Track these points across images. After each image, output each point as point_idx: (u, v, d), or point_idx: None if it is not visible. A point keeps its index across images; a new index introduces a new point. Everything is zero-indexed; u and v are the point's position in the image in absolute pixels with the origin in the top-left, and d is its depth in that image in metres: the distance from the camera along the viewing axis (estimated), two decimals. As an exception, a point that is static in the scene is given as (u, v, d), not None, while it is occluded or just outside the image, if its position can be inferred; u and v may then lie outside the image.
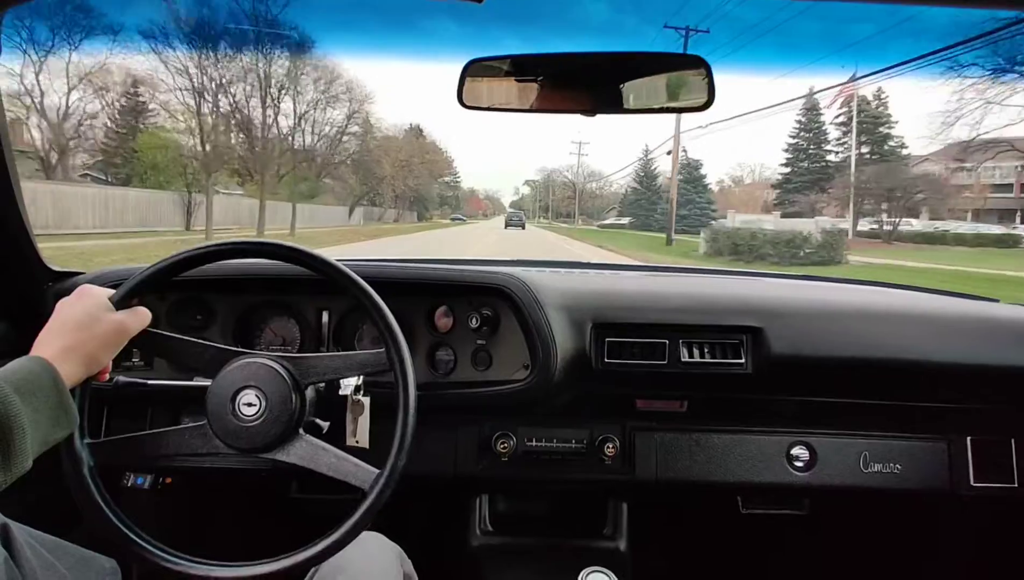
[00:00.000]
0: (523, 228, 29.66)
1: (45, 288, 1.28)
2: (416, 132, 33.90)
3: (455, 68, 1.02)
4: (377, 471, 0.89)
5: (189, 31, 15.50)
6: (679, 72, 0.99)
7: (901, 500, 1.42)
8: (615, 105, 0.99)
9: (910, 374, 1.27)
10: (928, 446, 1.34)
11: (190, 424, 0.95)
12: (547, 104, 1.00)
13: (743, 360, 1.24)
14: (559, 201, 56.84)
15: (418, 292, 1.26)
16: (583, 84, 1.00)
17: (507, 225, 30.37)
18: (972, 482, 1.32)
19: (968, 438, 1.33)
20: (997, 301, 1.49)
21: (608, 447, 1.31)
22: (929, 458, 1.34)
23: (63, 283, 1.28)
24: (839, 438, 1.34)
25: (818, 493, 1.40)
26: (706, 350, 1.24)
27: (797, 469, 1.33)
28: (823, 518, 1.53)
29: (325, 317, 1.29)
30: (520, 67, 1.01)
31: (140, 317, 0.90)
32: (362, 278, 0.96)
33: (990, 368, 1.26)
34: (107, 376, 0.90)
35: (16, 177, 1.14)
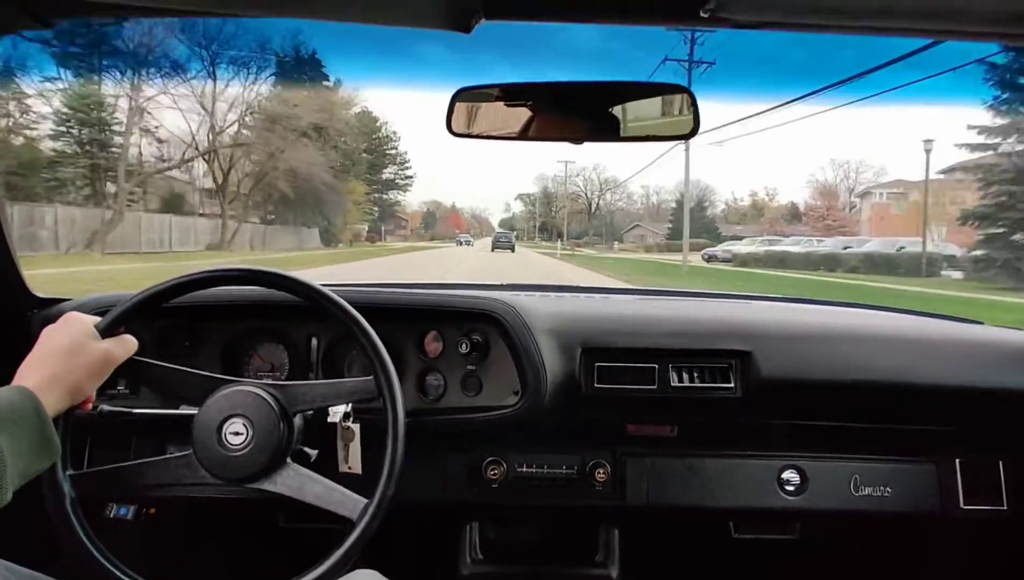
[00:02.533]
0: (512, 250, 27.35)
1: (30, 315, 1.26)
2: (365, 116, 27.92)
3: (443, 94, 1.03)
4: (366, 501, 0.88)
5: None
6: (665, 100, 1.01)
7: (892, 523, 1.42)
8: (603, 134, 1.01)
9: (898, 396, 1.28)
10: (917, 468, 1.34)
11: (176, 454, 0.93)
12: (535, 132, 1.02)
13: (732, 384, 1.25)
14: (565, 216, 46.12)
15: (407, 317, 1.26)
16: (571, 113, 1.02)
17: (494, 247, 27.80)
18: (962, 504, 1.33)
19: (957, 460, 1.34)
20: (981, 323, 1.51)
21: (599, 472, 1.30)
22: (919, 481, 1.34)
23: (48, 310, 1.27)
24: (829, 462, 1.34)
25: (809, 517, 1.40)
26: (696, 374, 1.25)
27: (788, 493, 1.33)
28: (815, 542, 1.52)
29: (314, 343, 1.29)
30: (508, 95, 1.02)
31: (126, 345, 0.89)
32: (350, 304, 0.95)
33: (976, 390, 1.28)
34: (91, 406, 0.88)
35: (2, 205, 1.13)
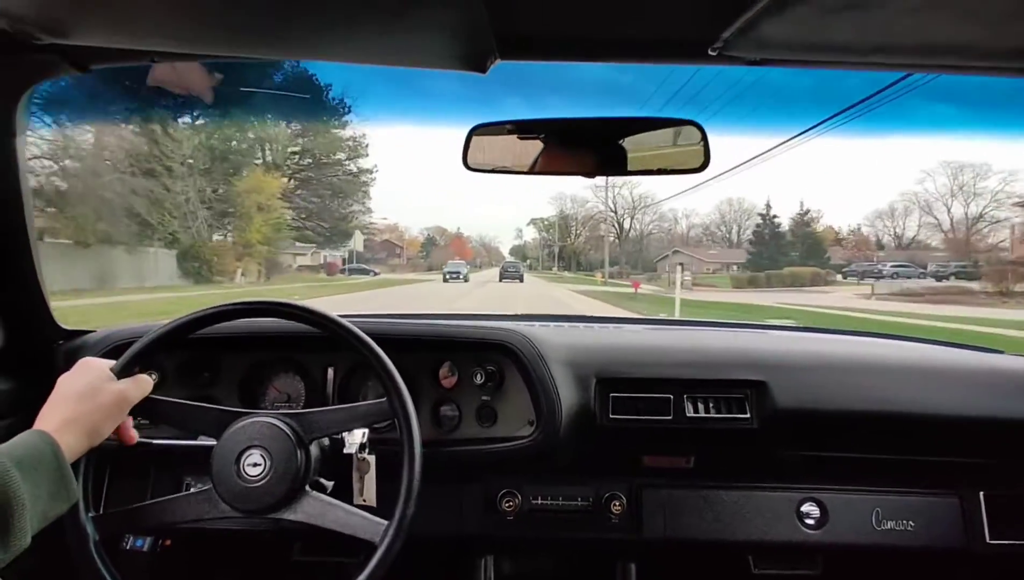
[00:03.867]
0: (521, 280, 25.28)
1: (56, 346, 1.29)
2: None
3: (457, 129, 1.06)
4: (386, 523, 0.88)
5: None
6: (675, 133, 1.03)
7: (916, 558, 1.38)
8: (615, 167, 1.03)
9: (917, 427, 1.26)
10: (941, 502, 1.32)
11: (195, 490, 0.94)
12: (548, 166, 1.04)
13: (748, 414, 1.24)
14: (583, 243, 39.97)
15: (422, 348, 1.27)
16: (584, 147, 1.04)
17: (502, 277, 26.22)
18: (987, 539, 1.29)
19: (981, 493, 1.31)
20: (1002, 352, 1.49)
21: (615, 505, 1.29)
22: (942, 514, 1.31)
23: (73, 342, 1.30)
24: (850, 494, 1.32)
25: (831, 552, 1.37)
26: (711, 405, 1.24)
27: (808, 526, 1.30)
28: (837, 578, 1.48)
29: (331, 373, 1.30)
30: (521, 131, 1.05)
31: (141, 386, 0.91)
32: (366, 334, 0.97)
33: (997, 421, 1.26)
34: (134, 440, 0.90)
35: (34, 236, 1.17)
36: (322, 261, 27.08)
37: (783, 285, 23.75)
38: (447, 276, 25.46)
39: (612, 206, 37.54)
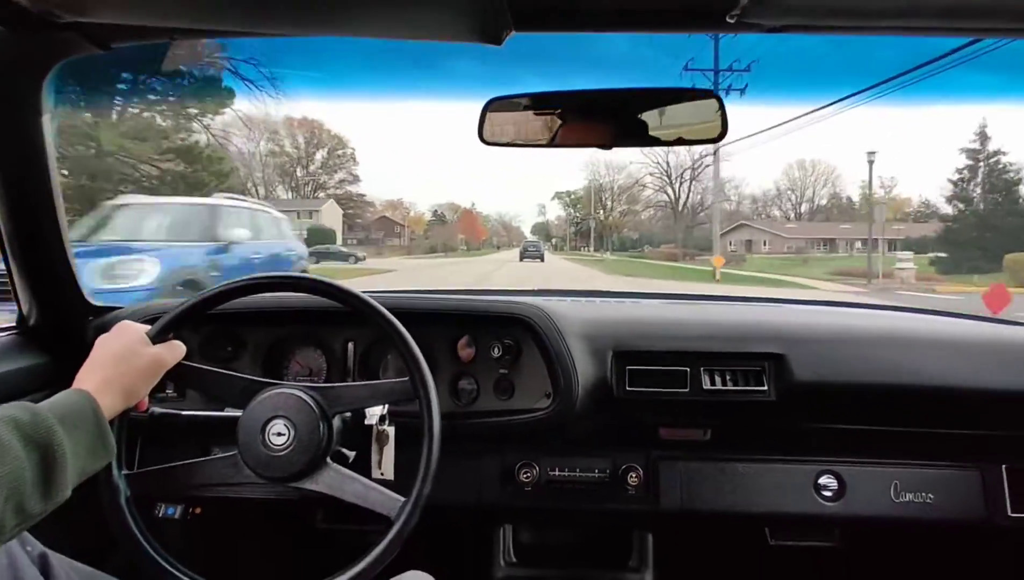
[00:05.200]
0: (542, 259, 24.52)
1: (86, 322, 1.33)
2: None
3: (475, 105, 1.06)
4: (403, 499, 0.90)
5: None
6: (692, 105, 1.02)
7: (935, 531, 1.38)
8: (631, 138, 1.03)
9: (936, 400, 1.25)
10: (961, 474, 1.31)
11: (222, 455, 0.97)
12: (564, 139, 1.04)
13: (766, 387, 1.24)
14: (620, 217, 31.59)
15: (441, 322, 1.29)
16: (600, 119, 1.04)
17: (522, 257, 24.76)
18: (1009, 512, 1.29)
19: (1003, 466, 1.30)
20: (1023, 325, 1.46)
21: (631, 476, 1.31)
22: (963, 487, 1.30)
23: (103, 318, 1.34)
24: (868, 467, 1.31)
25: (849, 524, 1.37)
26: (728, 378, 1.24)
27: (826, 499, 1.31)
28: (855, 550, 1.49)
29: (351, 348, 1.32)
30: (538, 104, 1.05)
31: (175, 351, 0.94)
32: (386, 309, 0.99)
33: (1020, 393, 1.24)
34: (145, 407, 0.93)
35: (63, 214, 1.20)
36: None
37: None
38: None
39: (666, 167, 28.27)
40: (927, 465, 1.31)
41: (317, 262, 16.66)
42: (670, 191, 29.03)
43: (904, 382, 1.24)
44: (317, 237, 21.01)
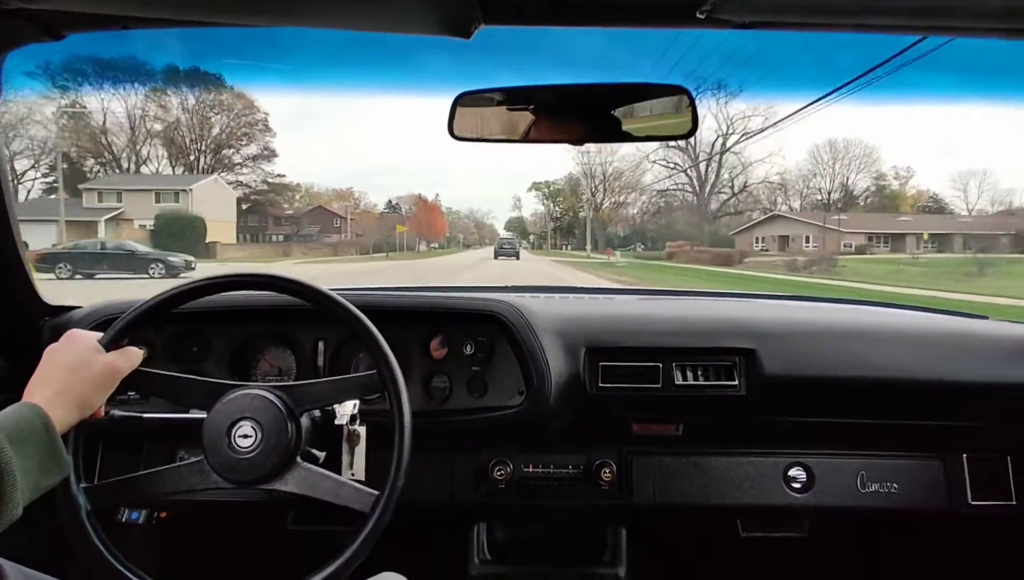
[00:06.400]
0: (517, 257, 22.93)
1: (41, 323, 1.28)
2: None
3: (443, 101, 1.04)
4: (376, 493, 0.89)
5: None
6: (663, 101, 1.02)
7: (900, 520, 1.42)
8: (604, 133, 1.02)
9: (903, 392, 1.28)
10: (924, 465, 1.34)
11: (187, 461, 0.95)
12: (536, 134, 1.03)
13: (737, 382, 1.25)
14: (611, 209, 26.62)
15: (412, 320, 1.27)
16: (571, 114, 1.03)
17: (497, 255, 23.29)
18: (970, 500, 1.32)
19: (964, 456, 1.34)
20: (986, 318, 1.50)
21: (605, 472, 1.31)
22: (926, 477, 1.34)
23: (59, 318, 1.29)
24: (836, 458, 1.34)
25: (817, 514, 1.40)
26: (700, 373, 1.25)
27: (795, 490, 1.33)
28: (823, 540, 1.52)
29: (321, 346, 1.30)
30: (509, 99, 1.04)
31: (130, 357, 0.90)
32: (356, 307, 0.97)
33: (981, 385, 1.27)
34: (102, 413, 0.90)
35: (14, 211, 1.15)
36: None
37: None
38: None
39: (691, 145, 21.39)
40: (892, 456, 1.34)
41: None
42: (694, 175, 23.04)
43: (870, 375, 1.26)
44: (170, 229, 15.34)
